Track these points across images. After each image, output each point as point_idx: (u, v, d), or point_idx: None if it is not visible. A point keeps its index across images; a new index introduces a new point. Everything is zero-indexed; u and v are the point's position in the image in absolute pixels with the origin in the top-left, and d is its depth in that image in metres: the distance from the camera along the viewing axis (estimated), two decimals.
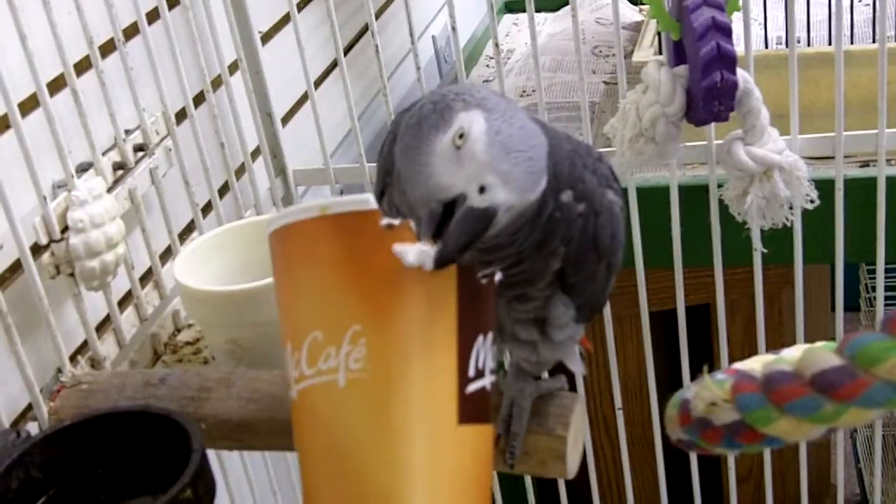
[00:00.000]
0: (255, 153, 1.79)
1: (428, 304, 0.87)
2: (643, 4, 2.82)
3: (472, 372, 0.88)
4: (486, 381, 0.90)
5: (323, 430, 0.88)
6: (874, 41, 2.13)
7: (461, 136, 0.86)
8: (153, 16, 1.52)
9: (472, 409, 0.88)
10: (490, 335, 0.91)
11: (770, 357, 0.86)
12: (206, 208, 1.65)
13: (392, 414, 0.86)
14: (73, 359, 1.35)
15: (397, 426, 0.85)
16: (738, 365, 0.88)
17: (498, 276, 0.90)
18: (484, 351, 0.90)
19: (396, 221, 0.86)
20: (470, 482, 0.88)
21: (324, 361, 0.87)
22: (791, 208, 1.52)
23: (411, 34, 1.68)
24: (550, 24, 2.97)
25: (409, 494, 0.84)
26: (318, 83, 2.01)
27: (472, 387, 0.89)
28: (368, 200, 0.87)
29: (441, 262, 0.85)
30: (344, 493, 0.86)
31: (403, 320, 0.87)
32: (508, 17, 3.15)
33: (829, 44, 2.20)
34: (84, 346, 1.39)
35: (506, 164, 0.86)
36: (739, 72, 1.40)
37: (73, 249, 1.30)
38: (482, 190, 0.85)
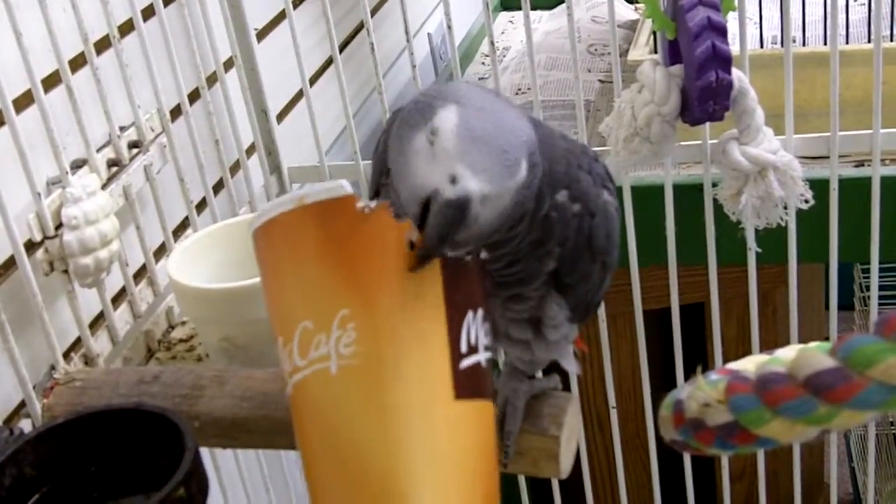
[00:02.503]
0: (250, 150, 1.78)
1: (413, 284, 0.87)
2: (639, 3, 2.82)
3: (464, 348, 0.88)
4: (481, 357, 0.90)
5: (320, 420, 0.87)
6: (869, 41, 2.13)
7: (433, 132, 0.87)
8: (148, 12, 1.52)
9: (469, 384, 0.88)
10: (480, 311, 0.91)
11: (764, 357, 0.86)
12: (201, 205, 1.65)
13: (386, 395, 0.85)
14: (66, 356, 1.35)
15: (393, 407, 0.85)
16: (732, 365, 0.88)
17: (483, 255, 0.90)
18: (475, 327, 0.90)
19: (373, 203, 0.87)
20: (472, 458, 0.88)
21: (315, 350, 0.87)
22: (786, 208, 1.52)
23: (407, 32, 1.68)
24: (546, 21, 2.97)
25: (411, 475, 0.84)
26: (313, 80, 2.01)
27: (466, 362, 0.88)
28: (343, 186, 0.88)
29: (422, 258, 0.86)
30: (346, 480, 0.86)
31: (390, 301, 0.87)
32: (504, 15, 3.14)
33: (825, 43, 2.20)
34: (78, 343, 1.39)
35: (475, 153, 0.86)
36: (734, 71, 1.40)
37: (67, 246, 1.30)
38: (454, 181, 0.85)
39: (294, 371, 0.88)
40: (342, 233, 0.87)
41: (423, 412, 0.86)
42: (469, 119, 0.87)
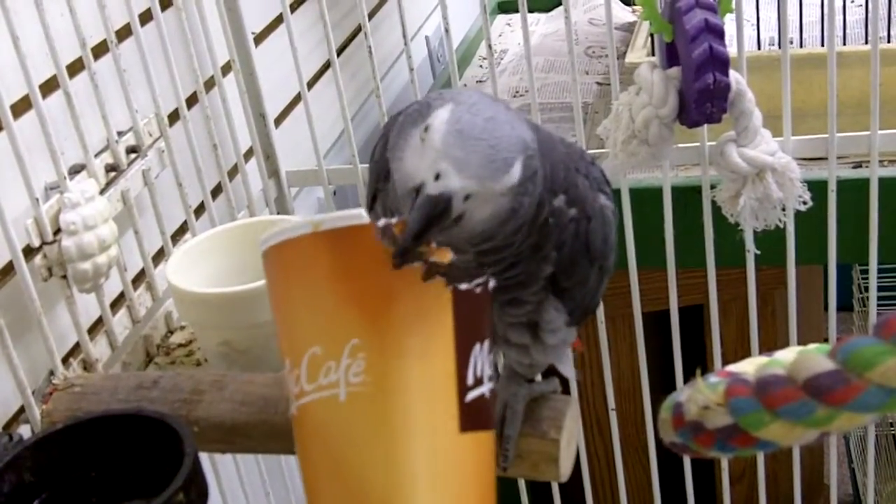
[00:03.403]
0: (248, 154, 1.78)
1: (425, 315, 0.87)
2: (636, 5, 2.82)
3: (470, 380, 0.89)
4: (485, 389, 0.90)
5: (325, 445, 0.88)
6: (867, 42, 2.13)
7: (426, 129, 0.87)
8: (146, 17, 1.52)
9: (473, 417, 0.89)
10: (487, 343, 0.91)
11: (763, 359, 0.86)
12: (199, 210, 1.65)
13: (393, 426, 0.86)
14: (65, 361, 1.35)
15: (399, 438, 0.86)
16: (732, 367, 0.88)
17: (492, 284, 0.90)
18: (481, 359, 0.90)
19: (394, 220, 0.86)
20: (474, 490, 0.89)
21: (324, 376, 0.87)
22: (784, 209, 1.52)
23: (404, 35, 1.68)
24: (543, 24, 2.97)
25: (412, 503, 0.85)
26: (311, 84, 2.01)
27: (472, 395, 0.89)
28: (361, 215, 0.87)
29: (401, 254, 0.85)
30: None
31: (401, 332, 0.87)
32: (501, 18, 3.15)
33: (822, 45, 2.20)
34: (76, 349, 1.39)
35: (460, 150, 0.86)
36: (732, 73, 1.40)
37: (66, 251, 1.30)
38: (437, 177, 0.85)
39: (301, 394, 0.89)
40: (357, 262, 0.87)
41: (427, 443, 0.86)
42: (460, 118, 0.87)
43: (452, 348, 0.88)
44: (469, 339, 0.89)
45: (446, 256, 0.87)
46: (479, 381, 0.89)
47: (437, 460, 0.87)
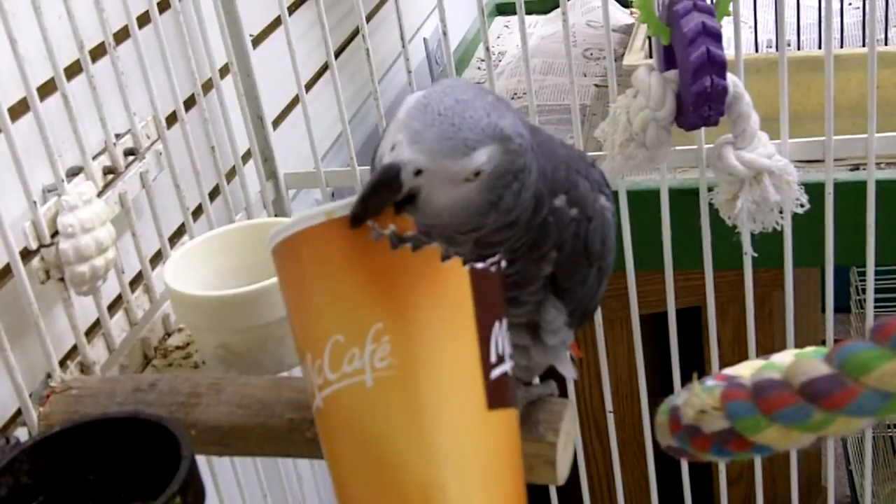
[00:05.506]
0: (246, 157, 1.78)
1: (445, 295, 0.88)
2: (634, 8, 2.82)
3: (493, 358, 0.89)
4: (507, 366, 0.91)
5: (355, 433, 0.88)
6: (864, 45, 2.13)
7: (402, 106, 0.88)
8: (144, 19, 1.52)
9: (498, 393, 0.89)
10: (504, 321, 0.92)
11: (760, 363, 0.86)
12: (197, 212, 1.65)
13: (423, 407, 0.86)
14: (62, 363, 1.35)
15: (430, 419, 0.86)
16: (728, 371, 0.88)
17: (504, 264, 0.91)
18: (501, 336, 0.91)
19: (386, 231, 0.87)
20: (504, 466, 0.89)
21: (348, 364, 0.87)
22: (781, 212, 1.52)
23: (402, 37, 1.68)
24: (541, 26, 2.97)
25: (449, 483, 0.85)
26: (308, 86, 2.01)
27: (496, 372, 0.90)
28: None
29: (352, 218, 0.86)
30: (383, 490, 0.87)
31: (423, 313, 0.87)
32: (499, 20, 3.15)
33: (819, 47, 2.20)
34: (74, 351, 1.39)
35: (417, 123, 0.86)
36: (729, 76, 1.40)
37: (63, 254, 1.30)
38: (393, 148, 0.86)
39: (325, 385, 0.88)
40: (372, 246, 0.87)
41: (459, 422, 0.87)
42: (430, 95, 0.87)
43: (474, 327, 0.88)
44: (489, 318, 0.89)
45: (408, 227, 0.88)
46: (500, 359, 0.90)
47: (468, 439, 0.87)
